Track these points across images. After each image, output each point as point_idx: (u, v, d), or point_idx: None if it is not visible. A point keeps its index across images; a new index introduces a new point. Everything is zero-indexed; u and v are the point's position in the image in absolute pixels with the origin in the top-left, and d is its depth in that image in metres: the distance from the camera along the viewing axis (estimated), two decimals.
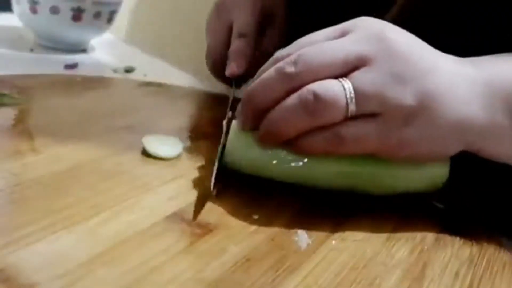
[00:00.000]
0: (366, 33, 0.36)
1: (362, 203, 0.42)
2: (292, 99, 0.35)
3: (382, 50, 0.36)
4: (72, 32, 0.73)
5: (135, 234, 0.32)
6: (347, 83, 0.35)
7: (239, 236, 0.34)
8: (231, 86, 0.57)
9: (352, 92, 0.35)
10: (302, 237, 0.36)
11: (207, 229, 0.34)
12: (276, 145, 0.38)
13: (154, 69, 0.73)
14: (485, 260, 0.38)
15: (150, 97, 0.59)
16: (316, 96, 0.34)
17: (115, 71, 0.69)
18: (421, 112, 0.36)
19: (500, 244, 0.40)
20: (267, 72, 0.37)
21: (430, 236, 0.39)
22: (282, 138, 0.37)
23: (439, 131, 0.37)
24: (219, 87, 0.70)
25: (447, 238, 0.39)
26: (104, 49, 0.79)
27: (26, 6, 0.70)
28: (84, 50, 0.76)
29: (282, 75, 0.36)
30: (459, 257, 0.37)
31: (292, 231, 0.36)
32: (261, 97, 0.37)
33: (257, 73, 0.40)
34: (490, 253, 0.39)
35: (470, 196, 0.41)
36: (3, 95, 0.50)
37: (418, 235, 0.39)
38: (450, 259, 0.37)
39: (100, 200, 0.35)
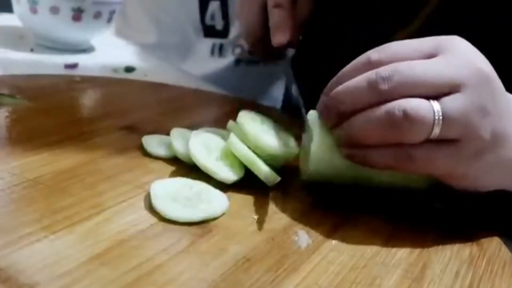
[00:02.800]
0: (459, 59, 0.37)
1: (362, 203, 0.42)
2: (381, 111, 0.36)
3: (474, 81, 0.36)
4: (72, 32, 0.73)
5: (135, 234, 0.32)
6: (436, 106, 0.35)
7: (239, 236, 0.34)
8: (274, 60, 0.56)
9: (441, 115, 0.35)
10: (302, 237, 0.36)
11: (207, 229, 0.34)
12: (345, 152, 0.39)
13: (154, 69, 0.73)
14: (485, 260, 0.37)
15: (150, 97, 0.59)
16: (406, 114, 0.35)
17: (115, 71, 0.69)
18: (490, 149, 0.37)
19: (500, 244, 0.40)
20: (358, 80, 0.37)
21: (430, 236, 0.39)
22: (358, 145, 0.38)
23: (498, 170, 0.38)
24: (219, 87, 0.70)
25: (447, 238, 0.39)
26: (104, 49, 0.79)
27: (26, 6, 0.70)
28: (84, 50, 0.76)
29: (374, 89, 0.36)
30: (459, 257, 0.37)
31: (292, 231, 0.36)
32: (348, 102, 0.37)
33: (340, 74, 0.40)
34: (490, 253, 0.39)
35: (470, 196, 0.41)
36: (3, 95, 0.50)
37: (418, 235, 0.39)
38: (450, 259, 0.37)
39: (100, 200, 0.35)
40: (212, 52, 0.86)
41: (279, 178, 0.40)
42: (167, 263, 0.30)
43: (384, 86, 0.36)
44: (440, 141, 0.36)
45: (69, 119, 0.48)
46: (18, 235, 0.30)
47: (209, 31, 0.85)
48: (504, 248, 0.40)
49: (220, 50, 0.85)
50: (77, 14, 0.70)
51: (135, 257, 0.30)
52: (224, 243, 0.33)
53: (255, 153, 0.40)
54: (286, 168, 0.41)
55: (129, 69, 0.70)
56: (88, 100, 0.55)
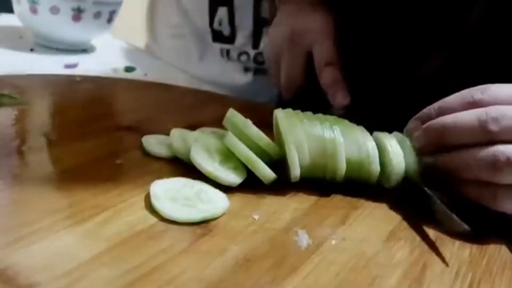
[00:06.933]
0: None
1: (362, 203, 0.42)
2: (487, 153, 0.38)
3: None
4: (72, 32, 0.73)
5: (135, 234, 0.32)
6: None
7: (239, 236, 0.34)
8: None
9: None
10: (302, 237, 0.36)
11: (207, 229, 0.34)
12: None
13: (154, 69, 0.73)
14: (485, 260, 0.38)
15: (150, 97, 0.59)
16: (509, 161, 0.37)
17: (115, 71, 0.69)
18: None
19: (500, 244, 0.40)
20: (469, 115, 0.39)
21: (430, 236, 0.39)
22: (455, 176, 0.40)
23: None
24: (218, 87, 0.70)
25: (447, 238, 0.39)
26: (104, 49, 0.79)
27: (26, 6, 0.70)
28: (84, 50, 0.76)
29: (483, 128, 0.38)
30: (459, 257, 0.37)
31: (292, 231, 0.36)
32: (454, 134, 0.40)
33: (442, 105, 0.41)
34: (490, 253, 0.39)
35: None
36: (3, 95, 0.50)
37: (418, 235, 0.39)
38: (450, 259, 0.37)
39: (100, 200, 0.35)
40: (221, 56, 0.86)
41: (275, 176, 0.40)
42: (167, 263, 0.30)
43: (493, 127, 0.38)
44: None
45: (69, 119, 0.48)
46: (18, 235, 0.30)
47: (217, 36, 0.85)
48: (504, 248, 0.40)
49: (228, 55, 0.86)
50: (77, 14, 0.70)
51: (135, 257, 0.30)
52: (224, 243, 0.33)
53: (253, 151, 0.40)
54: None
55: (129, 69, 0.70)
56: (88, 100, 0.55)
